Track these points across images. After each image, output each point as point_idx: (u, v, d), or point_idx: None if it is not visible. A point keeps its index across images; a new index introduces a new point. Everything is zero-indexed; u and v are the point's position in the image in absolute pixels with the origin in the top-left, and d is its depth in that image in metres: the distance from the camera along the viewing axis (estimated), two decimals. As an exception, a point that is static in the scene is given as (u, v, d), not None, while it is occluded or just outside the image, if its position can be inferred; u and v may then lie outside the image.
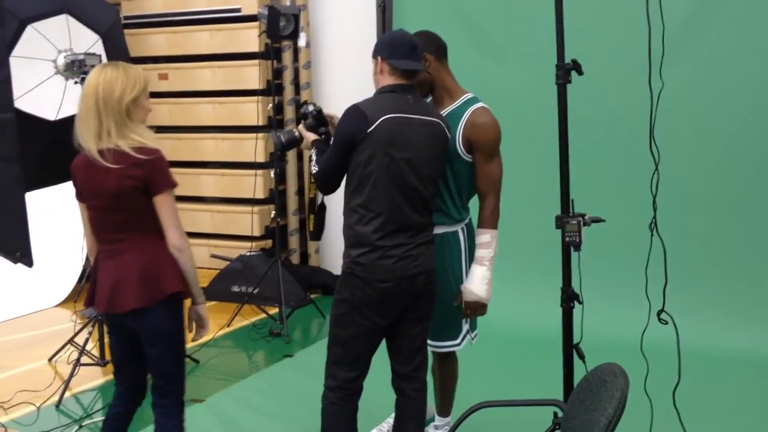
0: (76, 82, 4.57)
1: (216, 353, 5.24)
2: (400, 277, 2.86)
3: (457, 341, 3.37)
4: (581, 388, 2.40)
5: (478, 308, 3.23)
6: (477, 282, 3.15)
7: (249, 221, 6.61)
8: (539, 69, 4.89)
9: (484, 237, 3.19)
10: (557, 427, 2.78)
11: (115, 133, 2.70)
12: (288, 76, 6.77)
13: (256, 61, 6.66)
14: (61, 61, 4.66)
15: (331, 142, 3.04)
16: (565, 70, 2.71)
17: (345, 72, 6.65)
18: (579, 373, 2.58)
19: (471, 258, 3.26)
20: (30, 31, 4.94)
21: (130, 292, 2.75)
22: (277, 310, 5.78)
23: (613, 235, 4.38)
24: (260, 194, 6.74)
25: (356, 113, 2.83)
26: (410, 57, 2.92)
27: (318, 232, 3.27)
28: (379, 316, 2.92)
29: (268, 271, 5.91)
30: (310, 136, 3.15)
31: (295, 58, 6.76)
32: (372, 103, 2.89)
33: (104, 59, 5.20)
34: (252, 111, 6.74)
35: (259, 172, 6.70)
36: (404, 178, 2.84)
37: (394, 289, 2.86)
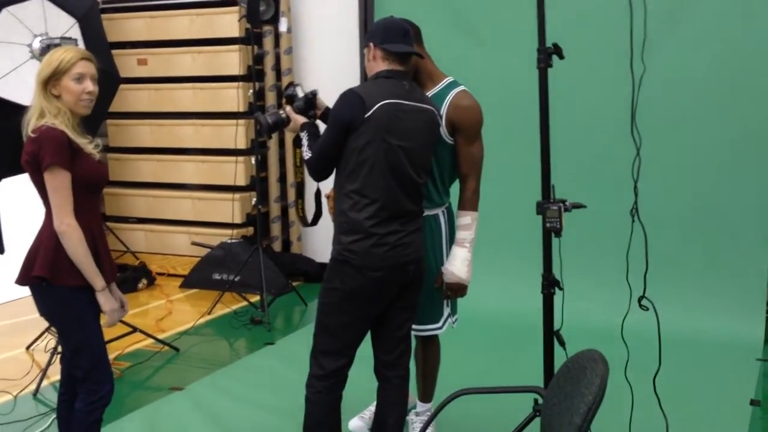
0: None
1: (197, 341, 5.20)
2: (392, 266, 2.83)
3: (439, 324, 3.37)
4: (561, 375, 2.38)
5: (459, 289, 3.24)
6: (458, 263, 3.16)
7: (230, 208, 6.56)
8: (521, 54, 4.86)
9: (465, 219, 3.20)
10: (537, 413, 2.77)
11: (40, 113, 2.76)
12: (269, 61, 6.70)
13: (237, 47, 6.59)
14: (36, 45, 4.58)
15: (323, 127, 2.99)
16: (546, 54, 2.68)
17: (326, 57, 6.60)
18: (560, 359, 2.57)
19: (451, 241, 3.28)
20: (5, 15, 4.85)
21: (21, 268, 2.84)
22: (258, 297, 5.75)
23: (595, 221, 4.38)
24: (241, 181, 6.69)
25: (354, 97, 2.79)
26: (403, 41, 2.89)
27: (316, 219, 3.21)
28: (369, 306, 2.89)
29: (249, 259, 5.88)
30: (299, 119, 3.09)
31: (276, 44, 6.70)
32: (369, 88, 2.85)
33: (81, 44, 5.12)
34: (232, 97, 6.68)
35: (240, 158, 6.65)
36: (400, 165, 2.82)
37: (385, 278, 2.84)
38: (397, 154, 2.82)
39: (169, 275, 6.86)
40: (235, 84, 6.64)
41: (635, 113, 2.83)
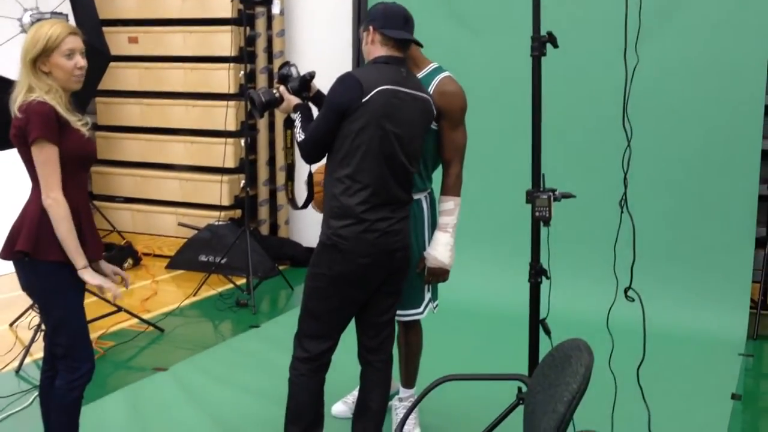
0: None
1: (181, 322, 5.19)
2: (380, 252, 2.83)
3: (420, 309, 3.37)
4: (546, 363, 2.38)
5: (441, 274, 3.25)
6: (440, 248, 3.17)
7: (218, 190, 6.53)
8: (514, 43, 4.85)
9: (448, 204, 3.21)
10: (521, 401, 2.77)
11: (28, 89, 2.73)
12: (261, 43, 6.65)
13: (229, 27, 6.53)
14: (26, 19, 4.54)
15: (319, 109, 2.97)
16: (540, 43, 2.67)
17: (319, 41, 6.56)
18: (545, 348, 2.57)
19: (433, 226, 3.29)
20: (-6, -12, 4.81)
21: (5, 242, 2.83)
22: (244, 280, 5.73)
23: (583, 211, 4.39)
24: (230, 163, 6.65)
25: (352, 81, 2.76)
26: (404, 28, 2.87)
27: (307, 202, 3.19)
28: (355, 291, 2.89)
29: (237, 241, 5.86)
30: (293, 99, 3.06)
31: (269, 26, 6.64)
32: (367, 72, 2.83)
33: (71, 20, 5.07)
34: (223, 78, 6.63)
35: (230, 140, 6.61)
36: (394, 152, 2.81)
37: (373, 264, 2.84)
38: (392, 140, 2.80)
39: (155, 256, 6.84)
40: (226, 65, 6.59)
41: (627, 104, 2.83)
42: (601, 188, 4.23)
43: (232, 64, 6.56)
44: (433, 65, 3.24)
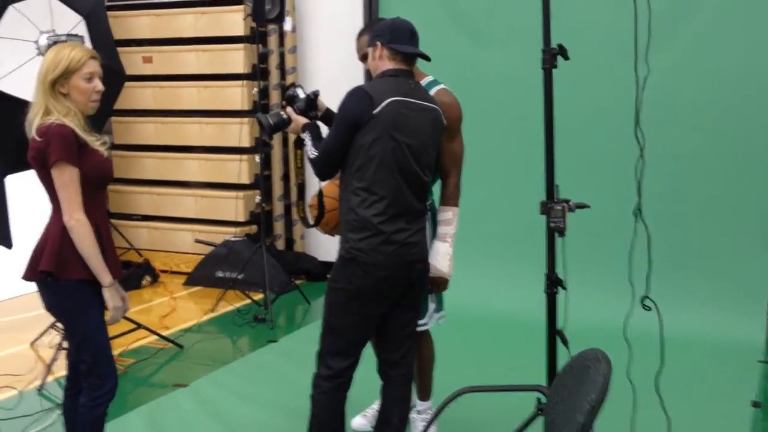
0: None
1: (200, 338, 5.22)
2: (399, 264, 2.85)
3: (425, 320, 3.39)
4: (564, 374, 2.40)
5: (441, 284, 3.27)
6: (440, 258, 3.19)
7: (233, 206, 6.58)
8: (524, 54, 4.89)
9: (447, 214, 3.24)
10: (540, 412, 2.78)
11: (45, 111, 2.76)
12: (273, 60, 6.72)
13: (242, 45, 6.60)
14: (43, 41, 4.59)
15: (323, 128, 3.01)
16: (551, 55, 2.70)
17: (331, 57, 6.61)
18: (563, 359, 2.58)
19: (434, 236, 3.30)
20: (12, 12, 4.87)
21: (28, 264, 2.87)
22: (261, 295, 5.76)
23: (598, 221, 4.37)
24: (245, 179, 6.70)
25: (362, 94, 2.80)
26: (410, 42, 2.91)
27: (318, 220, 3.22)
28: (375, 304, 2.90)
29: (253, 257, 5.89)
30: (301, 120, 3.10)
31: (281, 43, 6.71)
32: (376, 85, 2.86)
33: (87, 41, 5.14)
34: (237, 95, 6.69)
35: (244, 157, 6.66)
36: (407, 162, 2.83)
37: (392, 276, 2.85)
38: (404, 151, 2.83)
39: (173, 272, 6.88)
40: (240, 82, 6.65)
41: (639, 114, 2.84)
42: (615, 197, 4.22)
43: (245, 82, 6.62)
44: (429, 78, 3.30)
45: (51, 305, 2.93)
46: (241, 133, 6.52)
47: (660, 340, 2.93)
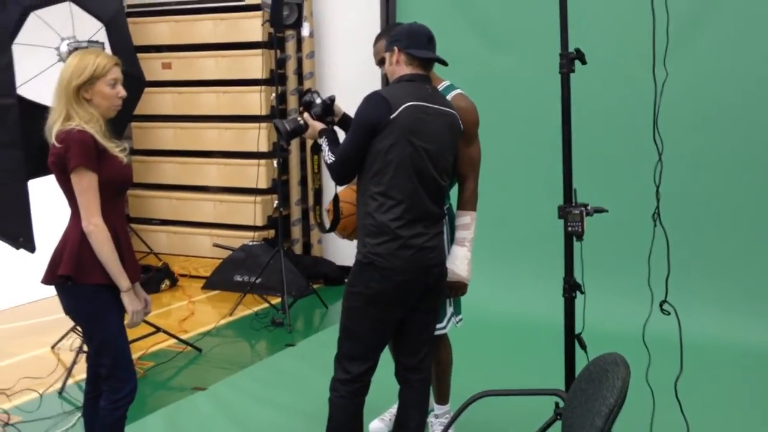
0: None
1: (218, 342, 5.25)
2: (416, 269, 2.85)
3: (443, 324, 3.39)
4: (583, 378, 2.39)
5: (459, 288, 3.28)
6: (458, 262, 3.19)
7: (251, 211, 6.61)
8: (541, 59, 4.85)
9: (465, 219, 3.24)
10: (558, 417, 2.78)
11: (66, 117, 2.79)
12: (291, 65, 6.75)
13: (260, 51, 6.63)
14: (64, 48, 4.64)
15: (340, 133, 3.02)
16: (569, 60, 2.70)
17: (348, 62, 6.63)
18: (580, 363, 2.57)
19: (451, 241, 3.31)
20: (33, 19, 4.92)
21: (47, 268, 2.90)
22: (279, 299, 5.79)
23: (616, 225, 4.37)
24: (263, 184, 6.73)
25: (379, 99, 2.81)
26: (428, 47, 2.92)
27: (334, 225, 3.24)
28: (393, 309, 2.90)
29: (271, 261, 5.92)
30: (317, 125, 3.11)
31: (299, 48, 6.74)
32: (393, 90, 2.87)
33: (107, 48, 5.19)
34: (255, 101, 6.72)
35: (262, 161, 6.69)
36: (424, 167, 2.84)
37: (410, 281, 2.85)
38: (422, 155, 2.84)
39: (191, 276, 6.92)
40: (258, 88, 6.69)
41: (657, 118, 2.84)
42: (633, 201, 4.21)
43: (263, 87, 6.66)
44: (446, 83, 3.31)
45: (70, 309, 2.96)
46: (259, 138, 6.55)
47: (679, 345, 2.92)
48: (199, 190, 7.15)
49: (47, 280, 2.92)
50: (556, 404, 2.84)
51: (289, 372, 4.63)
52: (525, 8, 5.53)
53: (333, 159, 2.94)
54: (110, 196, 2.87)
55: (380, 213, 2.84)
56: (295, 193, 6.91)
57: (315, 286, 6.28)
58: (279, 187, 6.13)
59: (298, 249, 6.97)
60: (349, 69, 6.58)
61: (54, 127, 2.81)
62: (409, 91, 2.86)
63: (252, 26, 6.70)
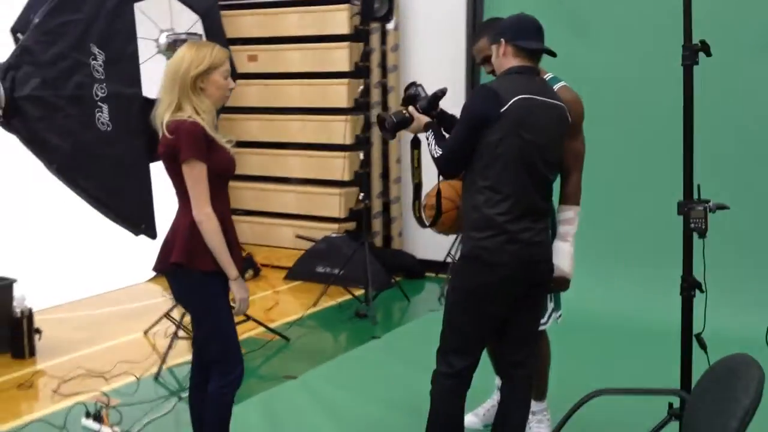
0: (177, 62, 4.66)
1: (304, 332, 5.30)
2: (523, 264, 2.82)
3: (544, 320, 3.35)
4: (707, 379, 2.33)
5: (563, 283, 3.20)
6: (562, 257, 3.12)
7: (333, 203, 6.65)
8: (633, 52, 4.74)
9: (568, 213, 3.18)
10: (673, 417, 2.71)
11: (177, 107, 2.83)
12: (375, 58, 6.75)
13: (346, 44, 6.67)
14: (163, 40, 4.73)
15: (443, 127, 3.00)
16: (693, 51, 2.62)
17: (432, 55, 6.61)
18: (697, 364, 2.50)
19: (552, 236, 3.23)
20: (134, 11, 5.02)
21: (158, 256, 2.97)
22: (361, 291, 5.81)
23: (740, 222, 4.12)
24: (345, 176, 6.76)
25: (489, 93, 2.78)
26: (536, 38, 2.87)
27: (435, 220, 3.22)
28: (498, 304, 2.88)
29: (354, 253, 5.94)
30: (423, 119, 3.09)
31: (383, 41, 6.74)
32: (503, 83, 2.83)
33: (204, 39, 5.26)
34: (339, 93, 6.76)
35: (345, 154, 6.72)
36: (533, 161, 2.80)
37: (515, 276, 2.82)
38: (531, 149, 2.79)
39: (274, 267, 7.00)
40: (342, 80, 6.72)
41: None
42: (758, 198, 4.00)
43: (348, 80, 6.68)
44: (549, 75, 3.24)
45: (181, 296, 3.03)
46: (345, 130, 6.58)
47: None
48: (282, 181, 7.22)
49: (159, 267, 2.98)
50: (670, 404, 2.78)
51: (377, 364, 4.64)
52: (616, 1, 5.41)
53: (440, 152, 2.91)
54: (218, 186, 2.91)
55: (488, 207, 2.81)
56: (376, 185, 6.91)
57: (395, 279, 6.28)
58: (364, 179, 6.13)
59: (378, 242, 6.98)
60: (433, 62, 6.55)
61: (164, 117, 2.86)
62: (519, 84, 2.81)
63: (337, 19, 6.73)
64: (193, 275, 2.89)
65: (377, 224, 6.99)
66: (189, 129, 2.80)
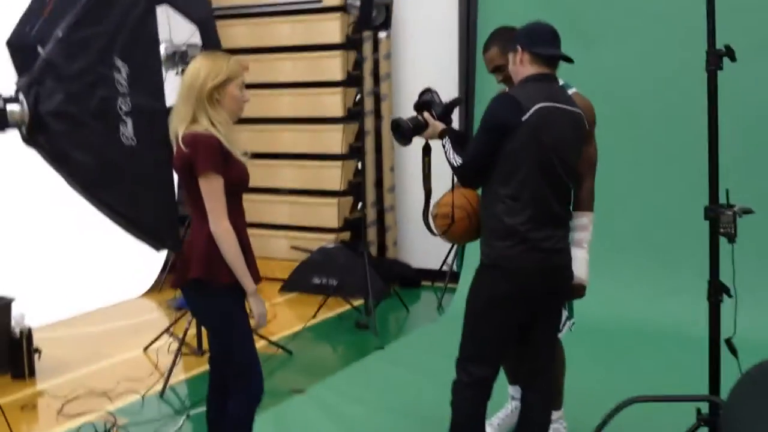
0: (177, 73, 4.60)
1: (305, 345, 5.24)
2: (545, 272, 2.81)
3: (558, 327, 3.32)
4: (744, 384, 2.32)
5: (579, 290, 3.19)
6: (578, 264, 3.10)
7: (328, 213, 6.60)
8: (631, 54, 4.70)
9: (582, 220, 3.17)
10: (702, 423, 2.70)
11: (192, 119, 2.79)
12: (368, 66, 6.71)
13: (338, 52, 6.63)
14: (162, 51, 4.65)
15: (468, 132, 2.98)
16: (717, 57, 2.61)
17: (425, 63, 6.60)
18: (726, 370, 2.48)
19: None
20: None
21: (176, 273, 2.99)
22: (360, 301, 5.76)
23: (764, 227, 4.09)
24: (340, 186, 6.71)
25: (510, 101, 2.77)
26: (552, 44, 2.86)
27: (448, 228, 3.18)
28: (519, 312, 2.87)
29: (352, 264, 5.90)
30: (439, 125, 3.06)
31: (375, 49, 6.71)
32: (523, 91, 2.82)
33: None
34: (331, 102, 6.72)
35: (339, 163, 6.68)
36: (553, 169, 2.79)
37: (536, 284, 2.81)
38: (551, 157, 2.79)
39: (268, 279, 6.90)
40: (335, 89, 6.68)
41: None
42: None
43: (341, 89, 6.64)
44: (560, 82, 3.22)
45: (200, 310, 2.99)
46: (342, 140, 6.53)
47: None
48: (275, 192, 7.15)
49: (177, 283, 2.93)
50: (698, 410, 2.76)
51: (384, 375, 4.59)
52: (613, 3, 5.42)
53: (461, 161, 2.89)
54: (233, 198, 2.87)
55: (509, 216, 2.79)
56: (370, 194, 6.87)
57: (393, 289, 6.24)
58: (361, 188, 6.09)
59: (373, 251, 6.94)
60: (425, 70, 6.53)
61: (179, 129, 2.81)
62: (538, 92, 2.80)
63: (329, 28, 6.69)
64: (213, 288, 2.84)
65: (372, 233, 6.94)
66: (205, 142, 2.76)
